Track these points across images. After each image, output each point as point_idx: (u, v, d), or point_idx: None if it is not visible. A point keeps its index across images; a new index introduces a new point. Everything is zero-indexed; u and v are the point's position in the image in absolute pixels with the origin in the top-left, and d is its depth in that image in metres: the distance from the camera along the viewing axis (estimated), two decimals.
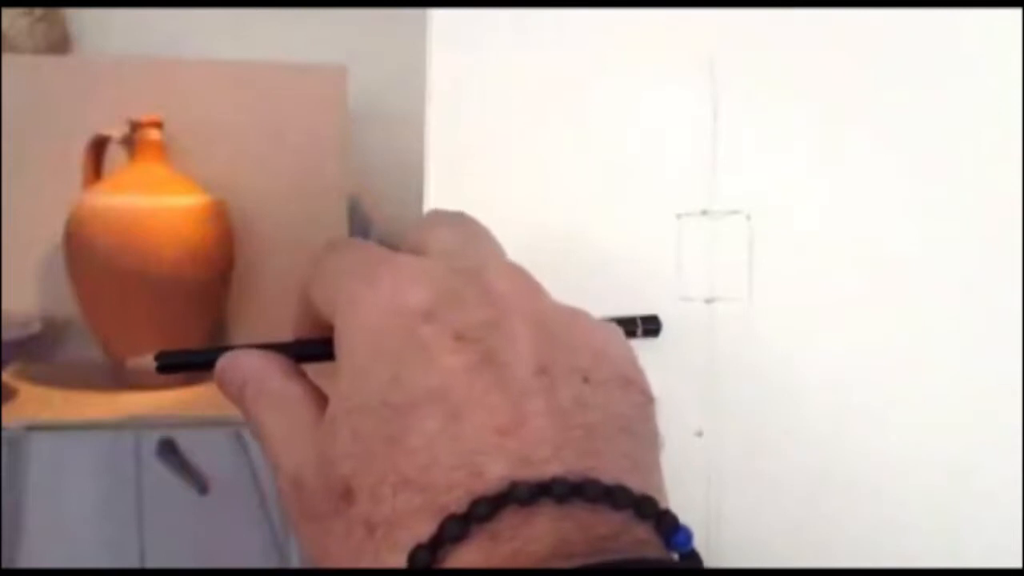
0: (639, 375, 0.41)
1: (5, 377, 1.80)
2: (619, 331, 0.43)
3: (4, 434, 1.67)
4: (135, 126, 1.79)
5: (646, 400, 0.41)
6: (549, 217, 0.51)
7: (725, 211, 0.50)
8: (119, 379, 1.83)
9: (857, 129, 0.50)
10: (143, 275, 1.73)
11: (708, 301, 0.50)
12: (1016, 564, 0.48)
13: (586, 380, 0.39)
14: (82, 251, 1.76)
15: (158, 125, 1.80)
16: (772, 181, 0.50)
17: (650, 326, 0.50)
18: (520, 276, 0.43)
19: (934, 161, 0.50)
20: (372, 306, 0.41)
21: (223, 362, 0.47)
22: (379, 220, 1.89)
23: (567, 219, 0.51)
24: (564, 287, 0.52)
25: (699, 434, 0.50)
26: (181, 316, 1.79)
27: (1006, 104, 0.50)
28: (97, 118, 1.84)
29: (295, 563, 1.92)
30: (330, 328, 0.43)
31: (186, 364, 0.49)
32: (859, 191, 0.50)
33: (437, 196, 0.52)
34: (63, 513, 2.00)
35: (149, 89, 1.89)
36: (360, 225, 1.89)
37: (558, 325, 0.41)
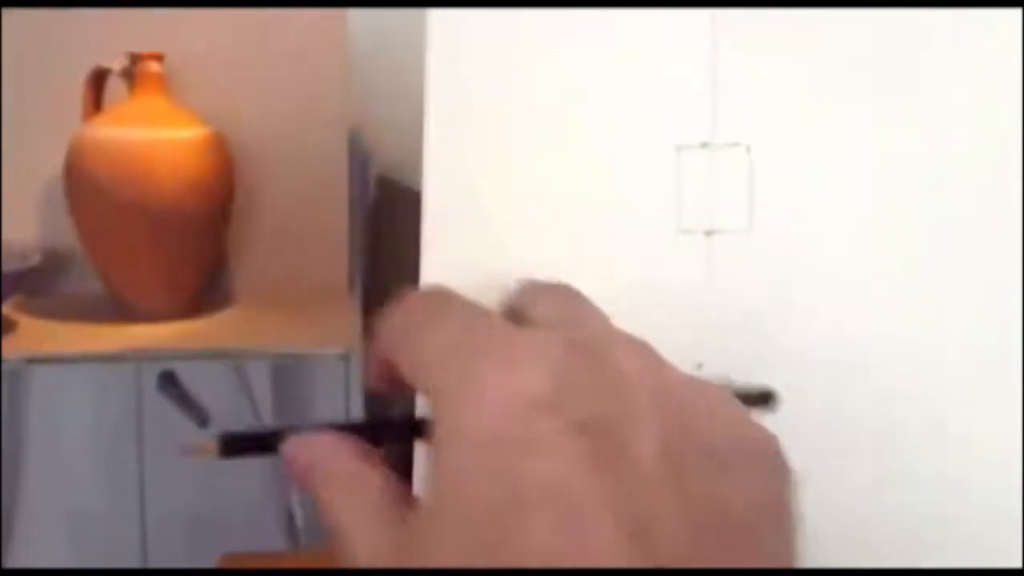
0: (773, 446, 0.38)
1: (5, 310, 1.80)
2: (739, 403, 0.40)
3: (4, 367, 1.67)
4: (135, 58, 1.78)
5: (784, 474, 0.38)
6: (549, 149, 0.51)
7: (725, 143, 0.50)
8: (119, 311, 1.83)
9: (858, 60, 0.50)
10: (143, 207, 1.73)
11: (708, 233, 0.50)
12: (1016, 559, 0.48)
13: (719, 465, 0.36)
14: (82, 184, 1.76)
15: (158, 58, 1.79)
16: (772, 113, 0.50)
17: (765, 399, 0.47)
18: (644, 352, 0.40)
19: (936, 90, 0.50)
20: (483, 393, 0.37)
21: (291, 444, 0.44)
22: (380, 152, 1.88)
23: (567, 152, 0.51)
24: (564, 221, 0.52)
25: (699, 367, 0.50)
26: (181, 248, 1.79)
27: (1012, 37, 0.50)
28: (97, 50, 1.83)
29: (295, 495, 1.93)
30: (411, 393, 0.41)
31: (250, 447, 0.46)
32: (859, 122, 0.50)
33: (437, 129, 0.52)
34: (63, 445, 2.00)
35: (149, 21, 1.88)
36: (360, 157, 1.88)
37: (685, 403, 0.38)
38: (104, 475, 2.02)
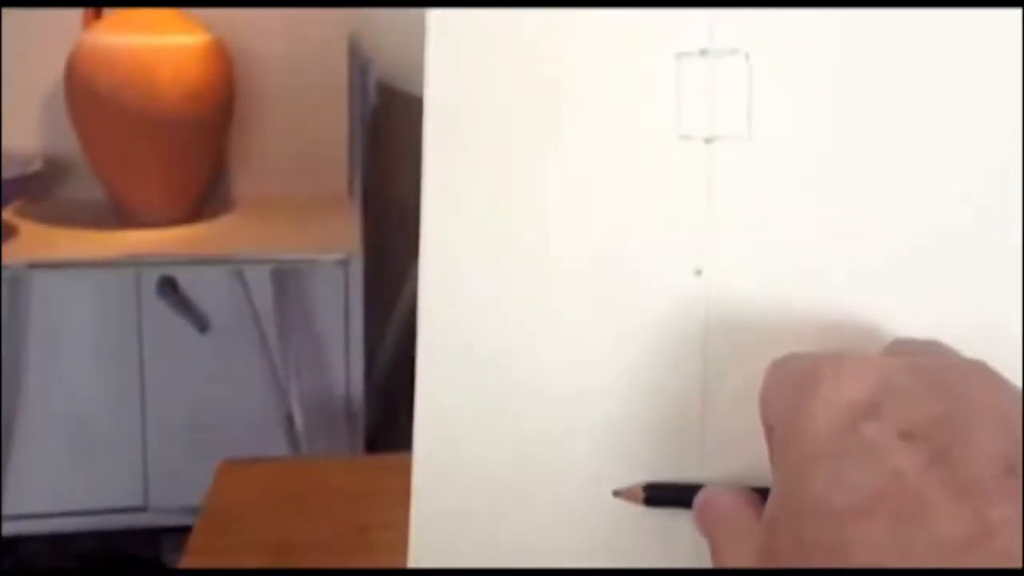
0: None
1: (6, 216, 1.80)
2: None
3: (5, 272, 1.68)
4: None
5: None
6: (547, 57, 0.51)
7: (724, 50, 0.50)
8: (120, 217, 1.84)
9: None
10: (144, 114, 1.72)
11: (708, 140, 0.50)
12: None
13: None
14: (83, 90, 1.76)
15: None
16: (771, 20, 0.50)
17: None
18: (980, 368, 0.40)
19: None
20: (810, 403, 0.39)
21: (700, 498, 0.47)
22: (380, 58, 1.87)
23: (565, 59, 0.51)
24: (563, 130, 0.52)
25: (698, 272, 0.50)
26: (182, 155, 1.79)
27: None
28: None
29: (295, 401, 1.94)
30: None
31: (674, 499, 0.49)
32: (859, 28, 0.50)
33: (437, 33, 0.52)
34: (64, 351, 2.01)
35: None
36: (360, 63, 1.88)
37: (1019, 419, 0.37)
38: (104, 380, 2.03)
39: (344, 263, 1.77)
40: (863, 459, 0.36)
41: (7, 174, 1.74)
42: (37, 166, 1.80)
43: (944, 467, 0.35)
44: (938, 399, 0.37)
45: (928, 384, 0.38)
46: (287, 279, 1.96)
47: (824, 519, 0.36)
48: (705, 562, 0.50)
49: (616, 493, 0.50)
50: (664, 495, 0.49)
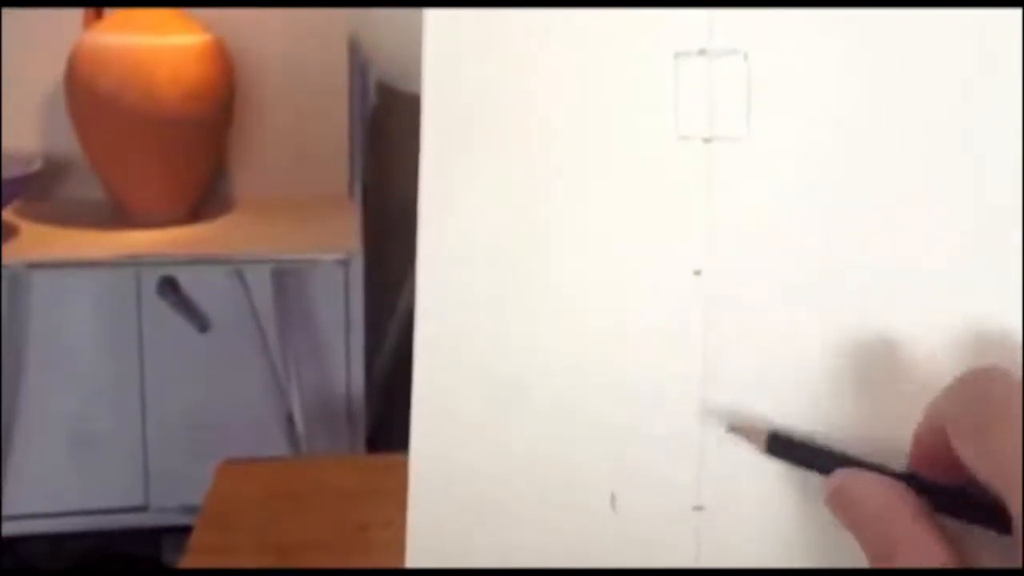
0: None
1: (6, 215, 1.80)
2: None
3: (5, 272, 1.68)
4: None
5: None
6: (545, 57, 0.51)
7: (723, 50, 0.50)
8: (120, 217, 1.84)
9: None
10: (144, 114, 1.73)
11: (706, 140, 0.50)
12: None
13: None
14: (83, 90, 1.76)
15: None
16: (770, 20, 0.50)
17: None
18: None
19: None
20: None
21: (842, 480, 0.45)
22: (378, 59, 1.87)
23: (564, 59, 0.51)
24: (563, 129, 0.52)
25: (697, 273, 0.50)
26: (182, 154, 1.79)
27: None
28: None
29: (295, 401, 1.94)
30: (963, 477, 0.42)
31: (796, 456, 0.48)
32: (859, 28, 0.50)
33: (436, 37, 0.52)
34: (65, 351, 2.01)
35: None
36: (360, 63, 1.88)
37: None
38: (104, 380, 2.03)
39: (344, 263, 1.77)
40: None
41: (7, 174, 1.74)
42: (37, 166, 1.80)
43: None
44: None
45: None
46: (287, 279, 1.96)
47: None
48: (705, 562, 0.50)
49: (733, 428, 0.49)
50: (788, 449, 0.48)
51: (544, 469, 0.51)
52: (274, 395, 1.99)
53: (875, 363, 0.49)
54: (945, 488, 0.44)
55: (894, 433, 0.48)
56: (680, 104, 0.50)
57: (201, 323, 1.99)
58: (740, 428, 0.49)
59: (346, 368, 2.02)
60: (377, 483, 0.87)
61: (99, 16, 1.81)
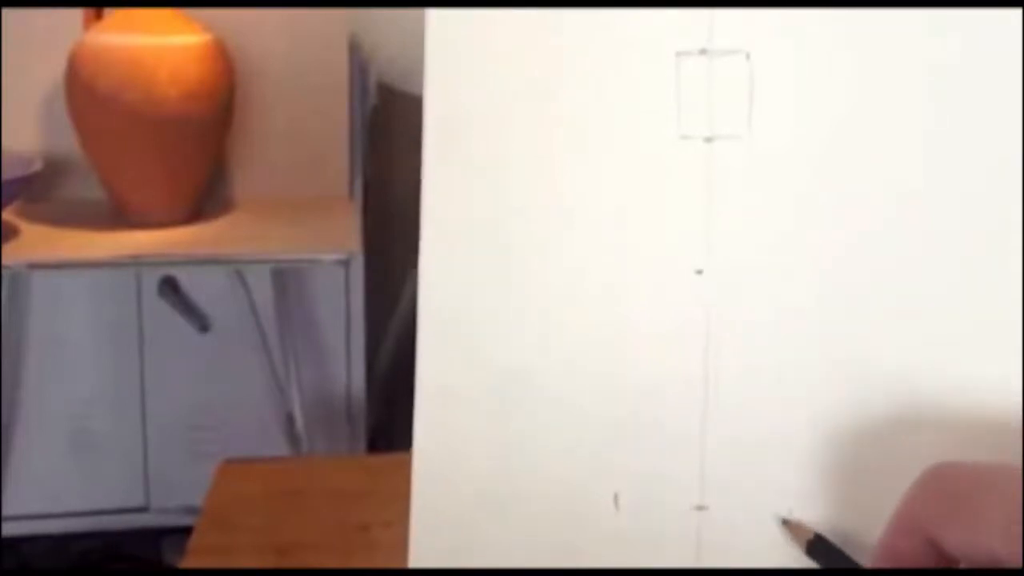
0: None
1: (6, 216, 1.80)
2: None
3: (5, 272, 1.68)
4: None
5: None
6: (546, 57, 0.51)
7: (724, 50, 0.50)
8: (120, 217, 1.84)
9: None
10: (144, 114, 1.72)
11: (708, 140, 0.50)
12: None
13: None
14: (83, 90, 1.76)
15: None
16: (771, 19, 0.50)
17: None
18: None
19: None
20: None
21: None
22: (378, 59, 1.87)
23: (565, 59, 0.51)
24: (564, 129, 0.52)
25: (699, 272, 0.50)
26: (182, 155, 1.79)
27: None
28: None
29: (295, 401, 1.94)
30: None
31: (832, 561, 0.49)
32: (859, 28, 0.50)
33: (436, 37, 0.52)
34: (64, 351, 2.01)
35: None
36: (360, 63, 1.88)
37: None
38: (105, 380, 2.03)
39: (344, 263, 1.77)
40: None
41: (7, 174, 1.73)
42: (37, 166, 1.80)
43: None
44: None
45: None
46: (287, 279, 1.96)
47: None
48: (705, 562, 0.50)
49: (787, 523, 0.50)
50: (826, 554, 0.49)
51: (546, 469, 0.51)
52: (274, 395, 1.99)
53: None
54: None
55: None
56: (681, 104, 0.51)
57: (201, 323, 1.99)
58: (791, 524, 0.50)
59: (346, 368, 2.02)
60: (378, 483, 0.87)
61: (99, 16, 1.80)
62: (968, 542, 0.42)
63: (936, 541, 0.43)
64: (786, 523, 0.50)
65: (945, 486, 0.44)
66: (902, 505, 0.45)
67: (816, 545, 0.49)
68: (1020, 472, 0.42)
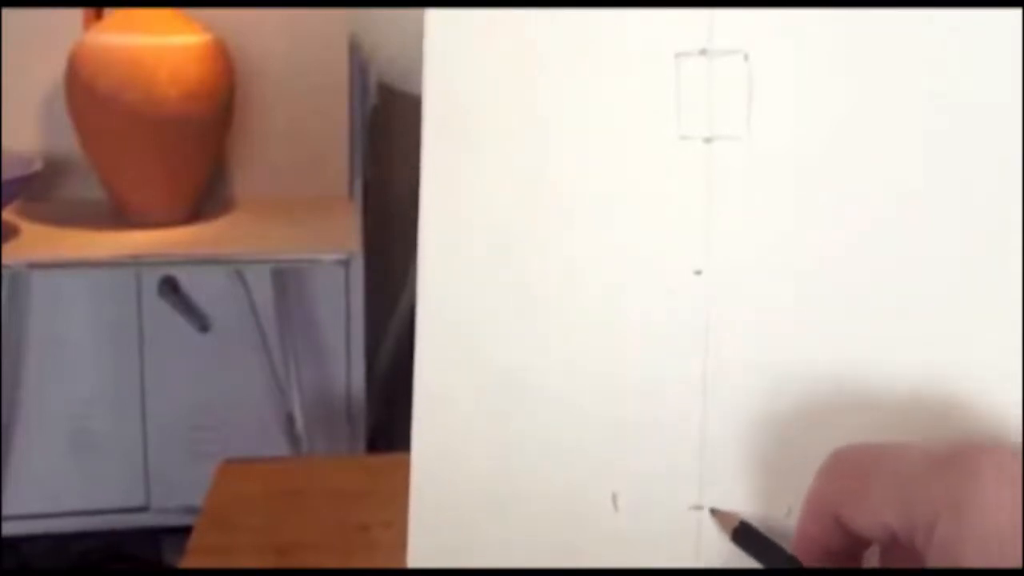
0: None
1: (6, 215, 1.80)
2: None
3: (5, 272, 1.68)
4: None
5: None
6: (546, 57, 0.51)
7: (723, 50, 0.50)
8: (120, 217, 1.84)
9: None
10: (144, 114, 1.72)
11: (707, 140, 0.50)
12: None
13: None
14: (83, 90, 1.76)
15: None
16: (770, 20, 0.50)
17: None
18: None
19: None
20: (985, 503, 0.40)
21: None
22: (378, 59, 1.87)
23: (565, 59, 0.51)
24: (564, 129, 0.52)
25: (698, 272, 0.50)
26: (182, 154, 1.79)
27: None
28: None
29: (295, 401, 1.94)
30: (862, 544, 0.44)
31: (757, 550, 0.49)
32: (859, 28, 0.50)
33: (436, 37, 0.52)
34: (64, 351, 2.01)
35: None
36: (360, 63, 1.88)
37: None
38: (105, 380, 2.03)
39: (344, 263, 1.77)
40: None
41: (7, 174, 1.73)
42: (37, 166, 1.80)
43: None
44: None
45: None
46: (287, 279, 1.96)
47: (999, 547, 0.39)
48: (705, 562, 0.50)
49: (714, 512, 0.50)
50: (751, 541, 0.49)
51: (545, 469, 0.51)
52: (274, 395, 1.99)
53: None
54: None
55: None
56: (681, 104, 0.51)
57: (201, 323, 1.99)
58: (718, 514, 0.50)
59: (346, 368, 2.02)
60: (377, 483, 0.87)
61: (99, 16, 1.80)
62: (867, 518, 0.43)
63: (842, 520, 0.44)
64: (714, 512, 0.50)
65: (845, 467, 0.45)
66: (810, 490, 0.46)
67: (741, 532, 0.49)
68: (912, 447, 0.43)
